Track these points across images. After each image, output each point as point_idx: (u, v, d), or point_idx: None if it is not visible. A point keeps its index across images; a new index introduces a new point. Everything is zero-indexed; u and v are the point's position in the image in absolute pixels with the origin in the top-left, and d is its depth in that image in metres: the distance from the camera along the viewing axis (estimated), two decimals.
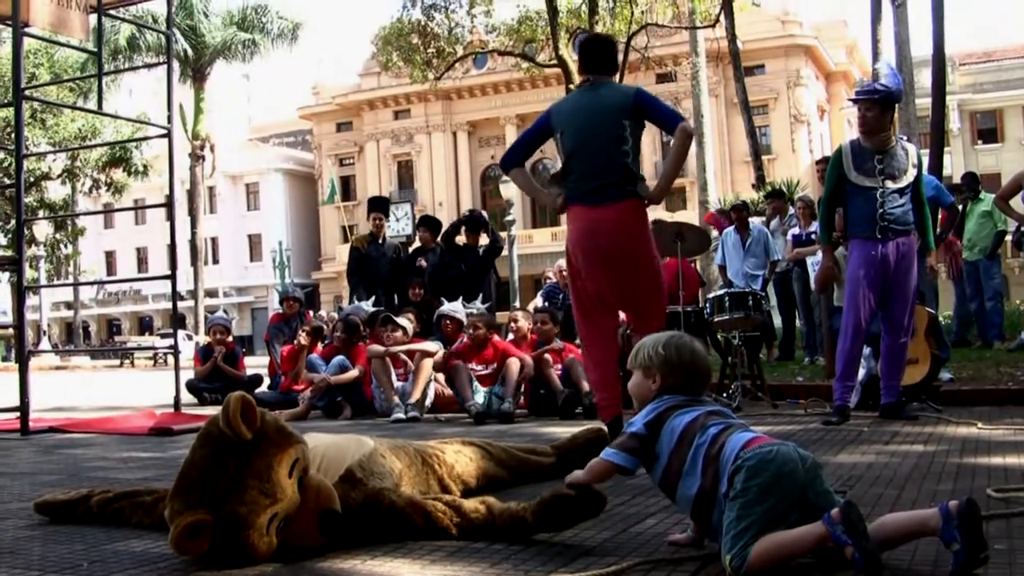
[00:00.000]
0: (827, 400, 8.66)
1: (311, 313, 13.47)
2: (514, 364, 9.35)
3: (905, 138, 8.17)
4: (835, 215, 8.18)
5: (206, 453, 3.36)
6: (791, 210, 13.78)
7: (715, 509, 3.10)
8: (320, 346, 11.68)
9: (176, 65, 11.09)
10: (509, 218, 31.13)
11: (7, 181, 33.73)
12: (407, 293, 12.58)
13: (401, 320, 10.25)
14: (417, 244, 13.74)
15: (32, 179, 37.37)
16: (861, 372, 8.50)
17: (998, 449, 5.75)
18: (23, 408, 9.09)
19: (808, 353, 12.89)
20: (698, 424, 3.24)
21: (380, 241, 13.03)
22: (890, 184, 7.48)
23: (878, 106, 7.50)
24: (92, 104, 26.45)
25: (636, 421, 3.35)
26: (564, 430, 6.99)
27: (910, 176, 7.53)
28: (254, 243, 72.22)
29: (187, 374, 12.53)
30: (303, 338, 11.49)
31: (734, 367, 9.45)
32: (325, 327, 12.46)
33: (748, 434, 3.15)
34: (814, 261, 11.50)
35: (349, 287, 13.56)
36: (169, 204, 11.06)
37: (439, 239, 13.16)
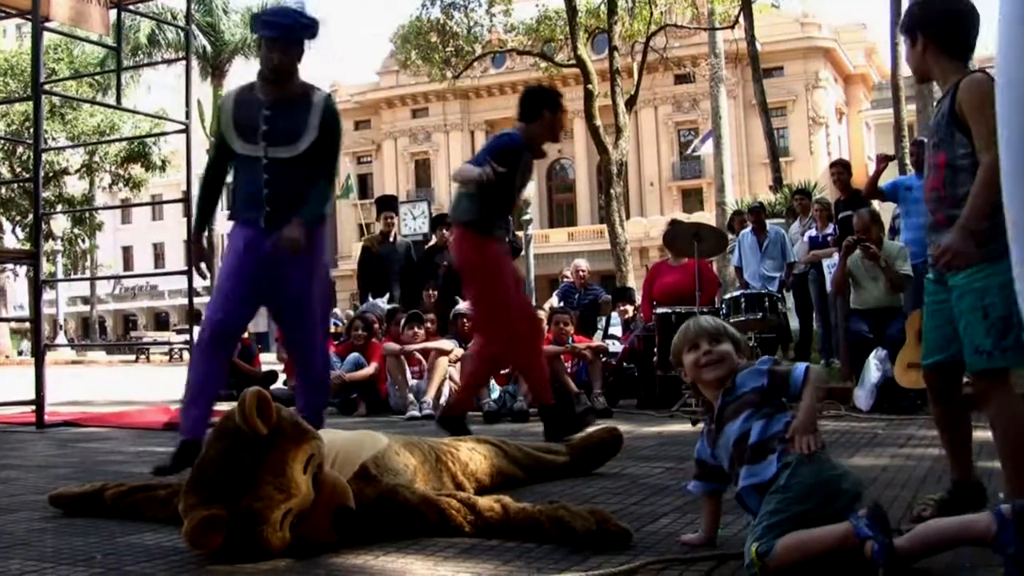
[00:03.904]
0: (842, 402, 8.66)
1: None
2: None
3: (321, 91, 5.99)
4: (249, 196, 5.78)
5: (221, 448, 3.37)
6: (810, 211, 13.73)
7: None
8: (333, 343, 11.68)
9: (195, 61, 11.15)
10: (526, 217, 31.11)
11: (26, 175, 33.84)
12: (421, 291, 12.56)
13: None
14: (433, 242, 13.71)
15: (51, 173, 37.46)
16: (876, 375, 8.49)
17: None
18: (39, 402, 9.12)
19: (824, 355, 12.85)
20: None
21: (392, 240, 13.03)
22: (278, 152, 5.64)
23: (291, 42, 5.72)
24: (111, 99, 26.51)
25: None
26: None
27: (310, 139, 5.66)
28: None
29: None
30: None
31: None
32: (340, 324, 12.45)
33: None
34: (830, 264, 11.47)
35: (359, 288, 13.54)
36: (187, 200, 11.04)
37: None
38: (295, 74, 5.80)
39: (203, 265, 6.21)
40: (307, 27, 5.76)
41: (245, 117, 5.72)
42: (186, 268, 10.53)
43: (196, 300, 10.51)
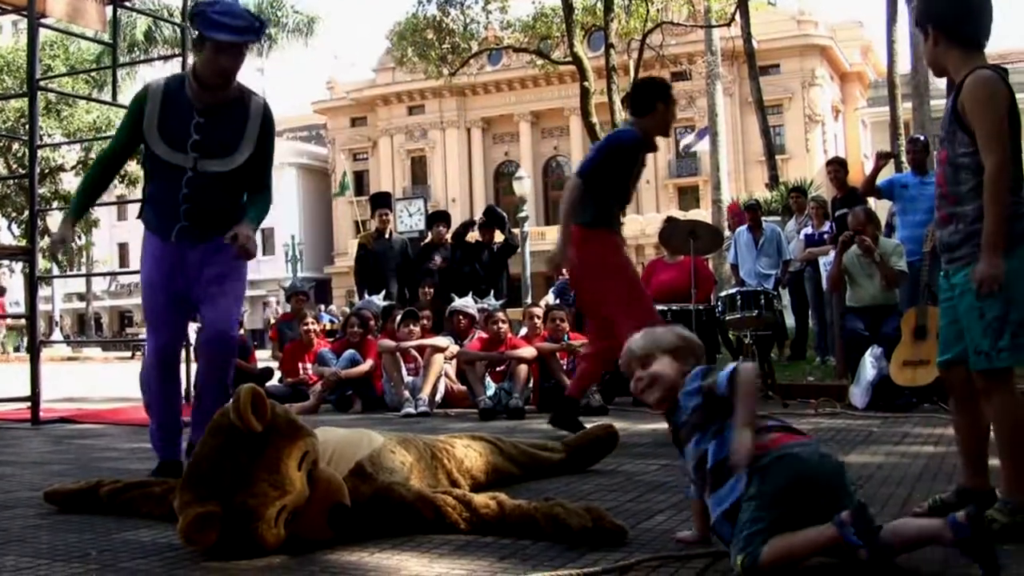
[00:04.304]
0: (837, 400, 8.66)
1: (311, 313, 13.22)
2: (523, 364, 9.36)
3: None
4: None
5: (216, 445, 3.37)
6: (806, 209, 13.72)
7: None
8: (329, 340, 11.66)
9: (191, 58, 11.09)
10: (522, 215, 31.09)
11: (21, 172, 33.81)
12: (417, 288, 12.55)
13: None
14: (428, 239, 13.70)
15: (46, 170, 37.41)
16: (871, 373, 8.49)
17: None
18: (34, 398, 9.12)
19: (819, 353, 12.85)
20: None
21: (387, 236, 13.03)
22: (209, 165, 5.11)
23: (243, 46, 5.16)
24: (107, 96, 26.44)
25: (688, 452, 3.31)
26: None
27: (246, 152, 5.18)
28: (266, 237, 71.83)
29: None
30: (314, 329, 11.52)
31: None
32: (336, 321, 12.42)
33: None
34: (826, 261, 11.47)
35: (356, 285, 13.53)
36: None
37: (450, 237, 13.13)
38: (235, 78, 5.25)
39: (58, 254, 5.70)
40: (261, 30, 5.22)
41: (173, 121, 5.11)
42: None
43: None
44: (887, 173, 11.65)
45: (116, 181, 34.80)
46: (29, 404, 9.18)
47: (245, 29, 5.05)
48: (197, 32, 5.06)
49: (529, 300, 22.50)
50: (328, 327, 15.65)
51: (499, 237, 12.85)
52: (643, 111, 6.87)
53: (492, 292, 11.53)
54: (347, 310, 15.35)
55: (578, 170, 6.80)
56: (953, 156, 3.68)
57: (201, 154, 5.11)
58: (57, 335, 41.18)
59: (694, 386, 3.25)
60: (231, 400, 3.36)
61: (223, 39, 4.99)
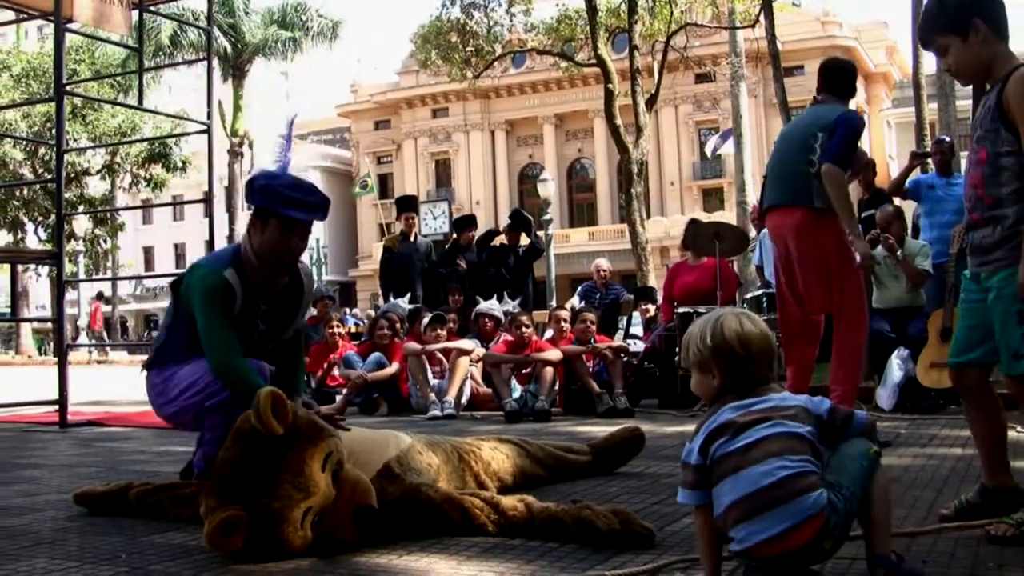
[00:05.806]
0: (864, 402, 8.62)
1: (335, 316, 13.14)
2: (548, 366, 9.35)
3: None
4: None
5: (239, 449, 3.38)
6: None
7: None
8: (353, 342, 11.67)
9: (216, 62, 11.08)
10: (546, 217, 31.08)
11: (48, 176, 33.98)
12: (440, 291, 12.57)
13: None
14: (453, 241, 13.71)
15: (73, 174, 37.57)
16: (898, 375, 8.47)
17: None
18: (62, 401, 9.16)
19: None
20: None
21: (412, 239, 13.06)
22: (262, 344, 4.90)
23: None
24: (132, 100, 26.51)
25: (691, 448, 2.88)
26: (600, 429, 6.98)
27: (297, 326, 5.14)
28: None
29: None
30: (339, 332, 11.54)
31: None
32: (361, 324, 12.44)
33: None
34: None
35: (381, 288, 13.55)
36: (208, 200, 11.11)
37: (474, 242, 13.14)
38: None
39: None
40: (328, 203, 4.67)
41: (243, 315, 4.66)
42: None
43: None
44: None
45: (142, 184, 34.66)
46: (57, 407, 9.22)
47: (319, 206, 4.58)
48: (258, 207, 4.55)
49: (554, 303, 22.50)
50: (353, 330, 15.65)
51: (525, 240, 12.85)
52: (847, 92, 6.77)
53: (516, 295, 11.54)
54: (372, 313, 15.34)
55: (829, 157, 6.36)
56: (994, 156, 3.51)
57: (261, 340, 4.82)
58: (83, 339, 41.29)
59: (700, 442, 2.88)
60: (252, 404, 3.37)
61: (301, 218, 4.53)
